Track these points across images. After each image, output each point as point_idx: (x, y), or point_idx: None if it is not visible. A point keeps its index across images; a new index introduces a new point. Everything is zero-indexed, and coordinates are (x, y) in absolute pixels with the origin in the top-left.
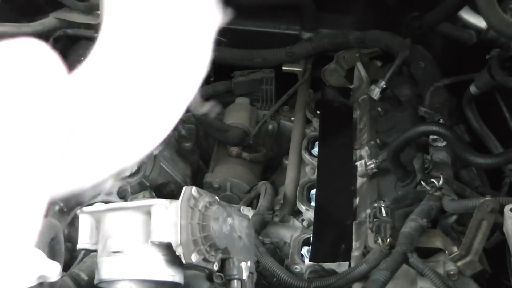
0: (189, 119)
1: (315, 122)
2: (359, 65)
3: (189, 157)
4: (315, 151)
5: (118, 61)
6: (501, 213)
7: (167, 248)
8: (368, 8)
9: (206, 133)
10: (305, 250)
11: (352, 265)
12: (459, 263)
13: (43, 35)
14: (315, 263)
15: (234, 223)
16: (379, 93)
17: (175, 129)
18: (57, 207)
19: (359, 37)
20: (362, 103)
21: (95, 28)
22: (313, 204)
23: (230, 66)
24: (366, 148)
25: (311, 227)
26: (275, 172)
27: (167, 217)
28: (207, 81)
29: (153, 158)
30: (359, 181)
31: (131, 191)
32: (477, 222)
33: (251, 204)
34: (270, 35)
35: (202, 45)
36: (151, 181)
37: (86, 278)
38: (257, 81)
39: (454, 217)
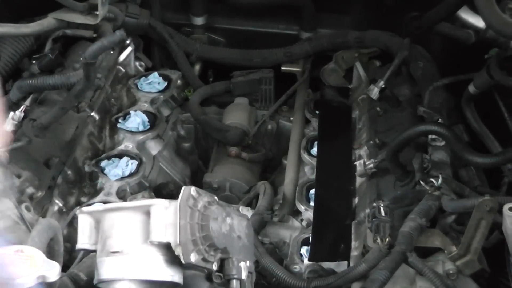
0: (188, 119)
1: (314, 122)
2: (358, 65)
3: (188, 157)
4: (314, 151)
5: None
6: (500, 212)
7: (166, 248)
8: (367, 8)
9: (205, 133)
10: (304, 250)
11: (351, 264)
12: (458, 263)
13: (42, 36)
14: (314, 263)
15: (233, 223)
16: (378, 93)
17: (174, 129)
18: (56, 207)
19: (358, 37)
20: (361, 103)
21: (94, 28)
22: (312, 204)
23: (229, 66)
24: (365, 148)
25: (310, 227)
26: (274, 172)
27: (166, 217)
28: (206, 81)
29: (152, 159)
30: (358, 180)
31: (130, 191)
32: (476, 222)
33: (250, 204)
34: (269, 35)
35: None
36: (150, 181)
37: (85, 278)
38: (256, 81)
39: (453, 217)
